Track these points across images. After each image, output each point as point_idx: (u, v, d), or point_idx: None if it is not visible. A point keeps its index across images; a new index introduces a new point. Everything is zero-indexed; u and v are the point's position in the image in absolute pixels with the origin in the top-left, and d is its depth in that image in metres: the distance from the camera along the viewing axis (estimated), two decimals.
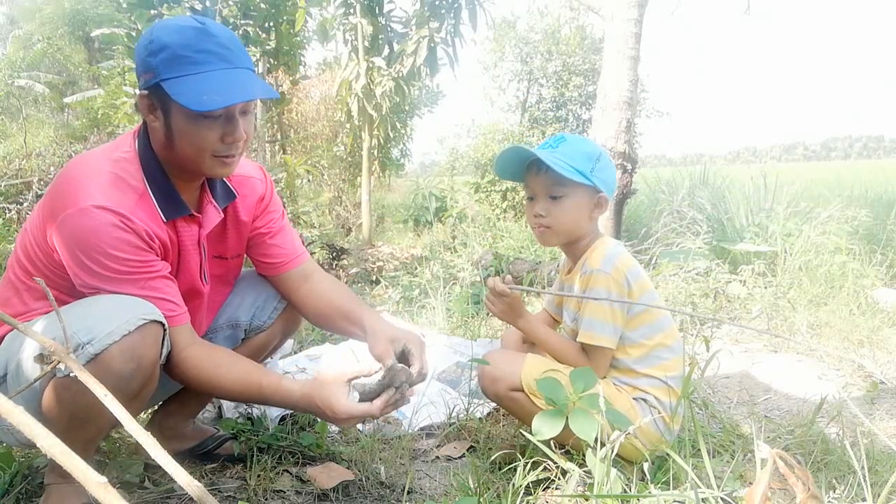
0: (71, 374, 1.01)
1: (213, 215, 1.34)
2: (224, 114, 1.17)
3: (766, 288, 3.30)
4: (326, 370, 2.20)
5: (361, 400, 1.18)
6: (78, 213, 1.11)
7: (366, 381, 1.19)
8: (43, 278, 1.16)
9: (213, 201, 1.34)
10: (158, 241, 1.21)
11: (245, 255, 1.53)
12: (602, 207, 1.46)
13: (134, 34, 3.54)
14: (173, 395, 1.54)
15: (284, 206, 1.53)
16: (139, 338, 1.08)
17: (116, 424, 1.19)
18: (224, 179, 1.36)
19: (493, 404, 1.75)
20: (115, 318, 1.07)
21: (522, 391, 1.39)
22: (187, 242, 1.31)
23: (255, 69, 1.30)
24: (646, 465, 1.13)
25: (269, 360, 2.03)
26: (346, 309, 1.48)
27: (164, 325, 1.15)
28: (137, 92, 1.20)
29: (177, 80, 1.12)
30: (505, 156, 1.46)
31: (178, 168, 1.25)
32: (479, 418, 1.76)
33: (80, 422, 1.12)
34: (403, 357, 1.31)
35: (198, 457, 1.54)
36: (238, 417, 1.74)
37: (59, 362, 0.55)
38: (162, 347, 1.16)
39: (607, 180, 1.43)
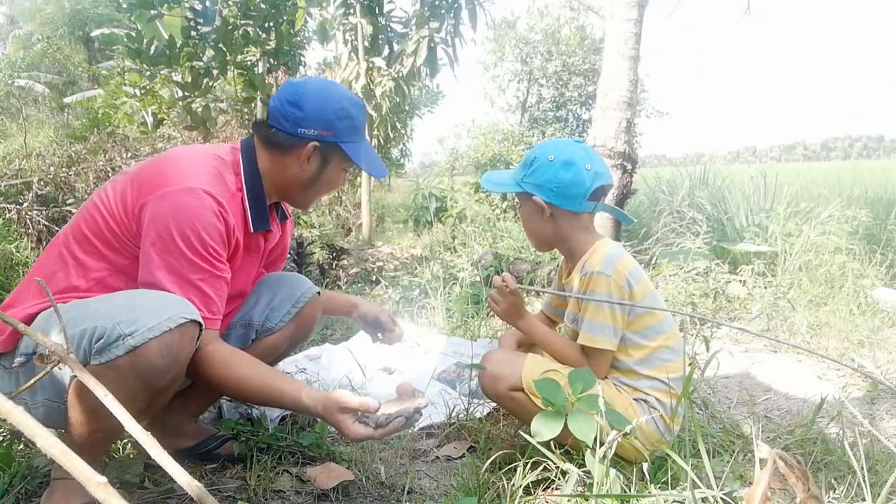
0: (91, 364, 1.06)
1: (276, 231, 1.55)
2: None
3: (765, 288, 3.30)
4: (329, 373, 2.20)
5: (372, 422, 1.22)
6: (185, 191, 1.21)
7: (380, 412, 1.22)
8: (116, 252, 1.25)
9: (277, 220, 1.53)
10: (235, 240, 1.31)
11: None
12: (545, 210, 1.43)
13: (134, 34, 3.52)
14: (177, 392, 1.54)
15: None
16: (178, 335, 1.12)
17: (141, 413, 1.21)
18: (281, 205, 1.56)
19: (493, 404, 1.75)
20: (158, 314, 1.10)
21: (523, 391, 1.39)
22: (254, 251, 1.48)
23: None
24: (645, 466, 1.13)
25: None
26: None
27: (201, 325, 1.18)
28: (301, 135, 1.35)
29: (352, 145, 1.38)
30: (488, 179, 1.57)
31: (278, 194, 1.45)
32: (479, 418, 1.76)
33: (104, 413, 1.14)
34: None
35: (198, 457, 1.54)
36: (238, 418, 1.74)
37: (59, 362, 0.55)
38: (195, 346, 1.20)
39: (546, 182, 1.40)
